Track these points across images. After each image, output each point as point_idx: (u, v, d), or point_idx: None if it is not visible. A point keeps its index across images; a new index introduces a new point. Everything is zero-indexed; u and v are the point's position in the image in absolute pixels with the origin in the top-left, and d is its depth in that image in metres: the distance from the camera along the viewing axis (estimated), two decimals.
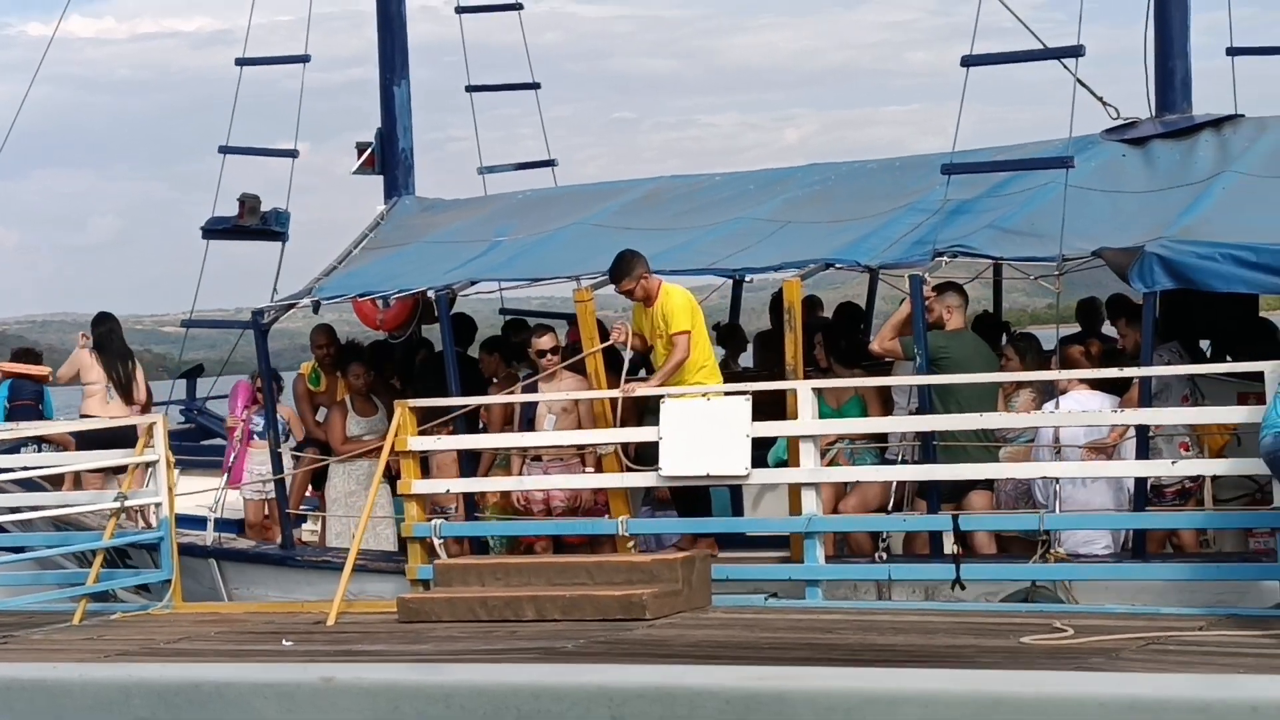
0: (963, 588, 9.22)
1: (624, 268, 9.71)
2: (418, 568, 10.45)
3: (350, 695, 1.70)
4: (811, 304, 10.97)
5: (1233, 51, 11.89)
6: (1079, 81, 9.93)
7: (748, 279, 11.78)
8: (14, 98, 14.34)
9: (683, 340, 9.45)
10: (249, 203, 12.13)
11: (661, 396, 9.72)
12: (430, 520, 10.62)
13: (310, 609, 10.76)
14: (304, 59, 12.97)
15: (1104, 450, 9.27)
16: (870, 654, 8.16)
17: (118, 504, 10.82)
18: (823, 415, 9.82)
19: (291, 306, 11.76)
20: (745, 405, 9.54)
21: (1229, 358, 10.21)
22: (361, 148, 12.90)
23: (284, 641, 9.83)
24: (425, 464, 11.14)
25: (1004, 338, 11.17)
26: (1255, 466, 8.58)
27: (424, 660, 8.70)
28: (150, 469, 10.92)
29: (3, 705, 2.04)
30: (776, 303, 11.11)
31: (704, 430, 9.66)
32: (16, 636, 10.26)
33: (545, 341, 10.36)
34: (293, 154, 12.92)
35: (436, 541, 10.42)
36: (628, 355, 9.94)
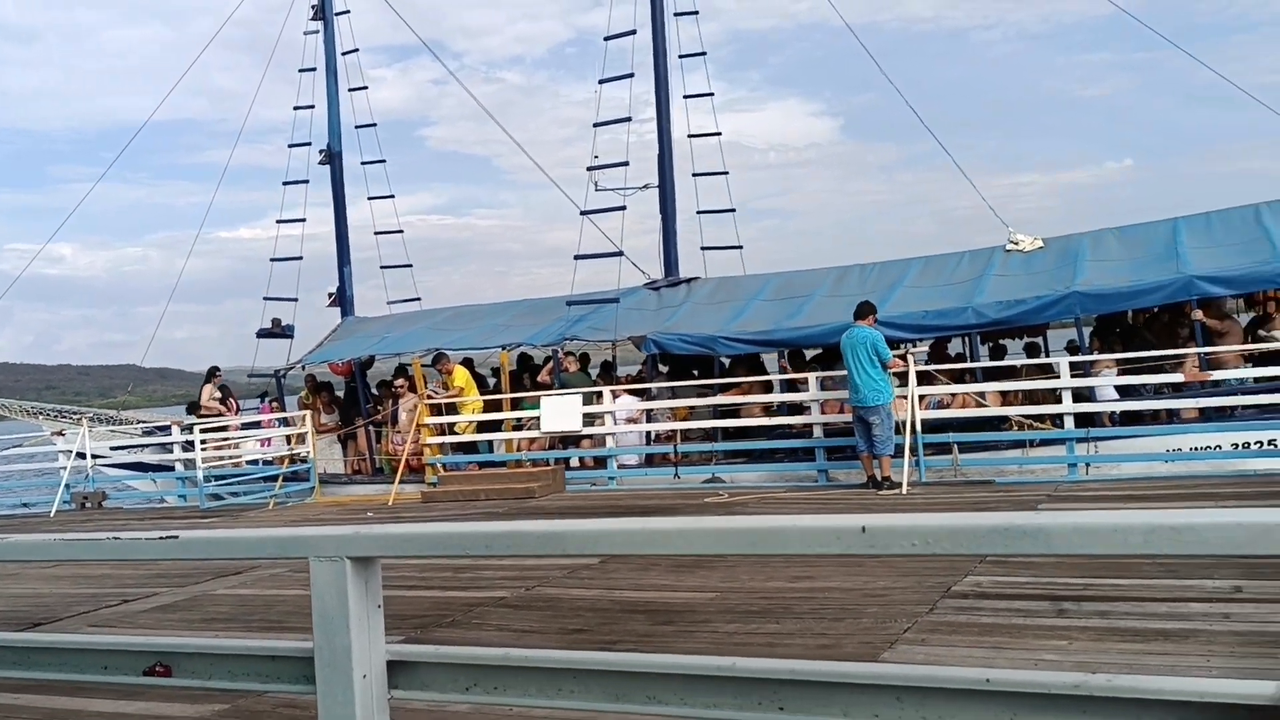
0: (679, 478, 14.69)
1: (438, 360, 17.70)
2: (431, 477, 16.20)
3: (388, 538, 2.79)
4: (524, 359, 18.77)
5: (704, 248, 19.69)
6: (632, 264, 18.44)
7: (499, 349, 18.32)
8: (206, 269, 23.53)
9: (456, 388, 17.38)
10: (276, 322, 20.13)
11: (538, 396, 16.42)
12: (436, 455, 16.35)
13: (380, 499, 15.27)
14: (299, 258, 21.28)
15: (636, 419, 16.17)
16: (635, 511, 11.17)
17: (290, 451, 17.78)
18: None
19: (293, 367, 19.77)
20: (579, 399, 15.80)
21: (699, 377, 17.49)
22: (330, 295, 20.82)
23: (368, 513, 13.43)
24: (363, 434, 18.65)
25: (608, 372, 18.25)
26: (706, 424, 16.08)
27: (426, 520, 10.80)
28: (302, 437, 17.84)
29: (221, 549, 3.29)
30: (520, 361, 18.97)
31: (562, 410, 15.71)
32: (243, 514, 15.18)
33: (398, 380, 18.06)
34: (294, 299, 21.18)
35: (439, 465, 16.34)
36: (439, 393, 17.80)
